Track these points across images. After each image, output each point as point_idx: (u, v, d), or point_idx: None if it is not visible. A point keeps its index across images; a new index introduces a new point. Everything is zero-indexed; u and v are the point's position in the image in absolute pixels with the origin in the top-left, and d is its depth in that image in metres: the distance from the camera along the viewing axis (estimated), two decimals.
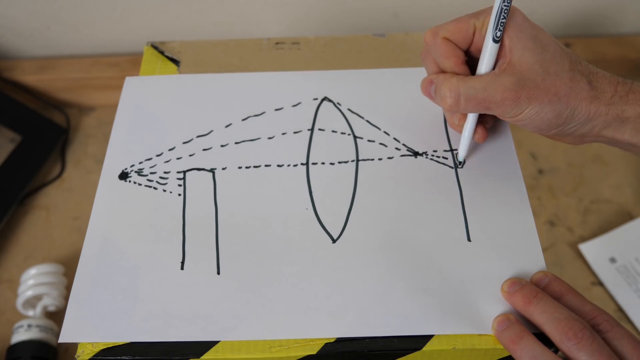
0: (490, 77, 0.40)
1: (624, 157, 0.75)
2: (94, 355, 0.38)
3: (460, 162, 0.47)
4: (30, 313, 0.62)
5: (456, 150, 0.47)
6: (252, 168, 0.47)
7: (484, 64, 0.41)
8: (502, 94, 0.39)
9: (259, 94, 0.51)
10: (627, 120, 0.40)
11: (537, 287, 0.39)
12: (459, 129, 0.46)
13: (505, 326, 0.38)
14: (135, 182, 0.46)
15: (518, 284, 0.39)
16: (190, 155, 0.48)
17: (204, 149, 0.48)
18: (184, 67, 0.54)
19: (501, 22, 0.40)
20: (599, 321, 0.36)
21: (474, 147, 0.47)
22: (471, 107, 0.41)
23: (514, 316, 0.38)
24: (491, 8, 0.40)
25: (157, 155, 0.48)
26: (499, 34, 0.40)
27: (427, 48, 0.44)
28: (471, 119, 0.44)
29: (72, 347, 0.62)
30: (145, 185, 0.46)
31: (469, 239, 0.42)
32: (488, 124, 0.47)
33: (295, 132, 0.49)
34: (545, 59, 0.39)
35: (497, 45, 0.40)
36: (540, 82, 0.39)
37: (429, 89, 0.43)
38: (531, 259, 0.41)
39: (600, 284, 0.64)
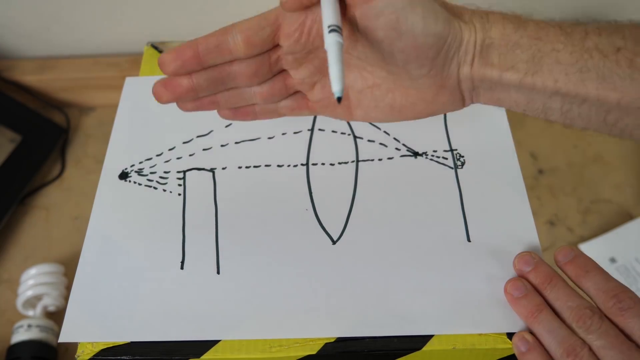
0: None
1: (624, 157, 0.75)
2: (94, 355, 0.38)
3: (338, 99, 0.34)
4: (30, 313, 0.62)
5: (456, 150, 0.47)
6: (252, 168, 0.47)
7: None
8: None
9: None
10: (493, 44, 0.36)
11: (563, 260, 0.39)
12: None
13: (522, 294, 0.38)
14: (135, 182, 0.46)
15: (531, 264, 0.39)
16: (190, 155, 0.48)
17: (204, 149, 0.48)
18: None
19: None
20: (622, 298, 0.36)
21: (474, 147, 0.47)
22: None
23: (531, 285, 0.39)
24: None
25: (157, 155, 0.48)
26: None
27: None
28: (335, 42, 0.34)
29: (72, 347, 0.62)
30: (145, 185, 0.46)
31: (468, 239, 0.42)
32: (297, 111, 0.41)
33: (295, 132, 0.49)
34: None
35: None
36: None
37: None
38: None
39: None
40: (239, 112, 0.42)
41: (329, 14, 0.35)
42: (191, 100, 0.39)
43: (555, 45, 0.35)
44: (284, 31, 0.37)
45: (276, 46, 0.38)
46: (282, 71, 0.40)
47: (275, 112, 0.42)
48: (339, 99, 0.33)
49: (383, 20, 0.34)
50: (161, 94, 0.38)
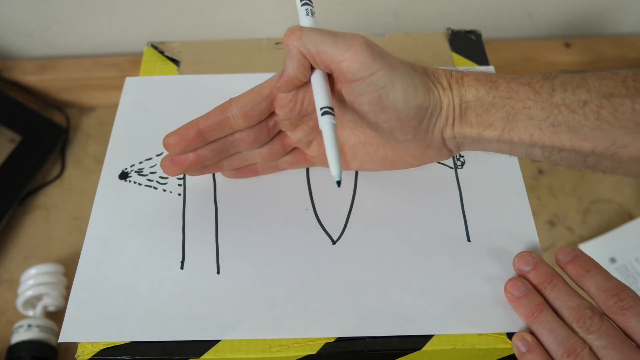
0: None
1: None
2: (94, 355, 0.38)
3: (337, 182, 0.36)
4: (30, 313, 0.62)
5: None
6: None
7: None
8: (359, 44, 0.36)
9: None
10: (469, 107, 0.38)
11: (563, 259, 0.39)
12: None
13: (523, 293, 0.38)
14: (135, 182, 0.46)
15: (531, 262, 0.40)
16: None
17: None
18: (184, 67, 0.54)
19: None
20: (622, 297, 0.36)
21: None
22: (311, 44, 0.37)
23: (531, 285, 0.39)
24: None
25: (157, 155, 0.48)
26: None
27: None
28: (329, 124, 0.37)
29: (72, 347, 0.62)
30: (145, 185, 0.46)
31: (468, 240, 0.42)
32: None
33: None
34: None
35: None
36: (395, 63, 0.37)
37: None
38: None
39: None
40: (242, 171, 0.45)
41: (320, 96, 0.38)
42: (198, 169, 0.42)
43: (526, 103, 0.37)
44: (278, 103, 0.40)
45: (273, 113, 0.41)
46: (280, 132, 0.43)
47: (275, 168, 0.46)
48: (339, 183, 0.36)
49: (366, 97, 0.37)
50: (169, 168, 0.41)
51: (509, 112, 0.37)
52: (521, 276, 0.40)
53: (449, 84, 0.38)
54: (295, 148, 0.44)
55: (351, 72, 0.36)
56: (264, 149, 0.43)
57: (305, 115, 0.41)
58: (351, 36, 0.37)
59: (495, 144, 0.39)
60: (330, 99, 0.38)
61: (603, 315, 0.36)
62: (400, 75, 0.37)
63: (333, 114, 0.37)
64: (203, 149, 0.41)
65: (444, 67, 0.40)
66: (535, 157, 0.39)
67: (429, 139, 0.39)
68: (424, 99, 0.37)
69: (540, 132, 0.37)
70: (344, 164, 0.44)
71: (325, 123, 0.37)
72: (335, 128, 0.37)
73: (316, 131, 0.42)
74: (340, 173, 0.36)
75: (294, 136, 0.43)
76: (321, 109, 0.37)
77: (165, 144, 0.40)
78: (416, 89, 0.37)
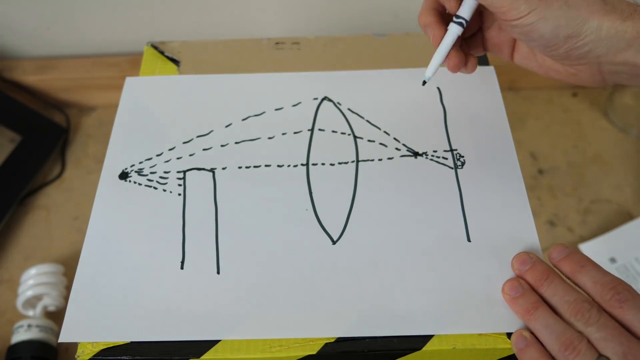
0: None
1: (624, 157, 0.75)
2: (94, 355, 0.38)
3: (423, 82, 0.45)
4: (30, 313, 0.62)
5: (456, 150, 0.47)
6: (252, 168, 0.47)
7: None
8: None
9: (259, 94, 0.51)
10: None
11: (557, 257, 0.39)
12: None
13: (519, 293, 0.38)
14: (135, 182, 0.46)
15: (526, 263, 0.40)
16: (190, 155, 0.48)
17: (204, 149, 0.48)
18: (184, 67, 0.54)
19: None
20: (619, 290, 0.36)
21: (474, 147, 0.47)
22: None
23: (527, 284, 0.39)
24: None
25: (157, 155, 0.48)
26: None
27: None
28: (453, 31, 0.43)
29: (72, 347, 0.62)
30: (145, 185, 0.46)
31: (468, 239, 0.42)
32: (477, 51, 0.47)
33: (295, 133, 0.49)
34: None
35: None
36: None
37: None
38: None
39: None
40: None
41: (464, 7, 0.43)
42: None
43: None
44: None
45: None
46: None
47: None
48: (424, 82, 0.44)
49: (516, 31, 0.40)
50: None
51: None
52: (519, 276, 0.40)
53: (631, 14, 0.38)
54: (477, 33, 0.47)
55: (503, 12, 0.39)
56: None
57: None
58: None
59: None
60: (470, 13, 0.43)
61: (600, 308, 0.36)
62: (558, 12, 0.38)
63: (463, 27, 0.43)
64: None
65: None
66: None
67: (582, 61, 0.40)
68: (575, 31, 0.38)
69: None
70: (509, 54, 0.46)
71: (451, 27, 0.43)
72: (456, 39, 0.43)
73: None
74: (430, 77, 0.44)
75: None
76: (456, 16, 0.43)
77: None
78: (567, 26, 0.38)
